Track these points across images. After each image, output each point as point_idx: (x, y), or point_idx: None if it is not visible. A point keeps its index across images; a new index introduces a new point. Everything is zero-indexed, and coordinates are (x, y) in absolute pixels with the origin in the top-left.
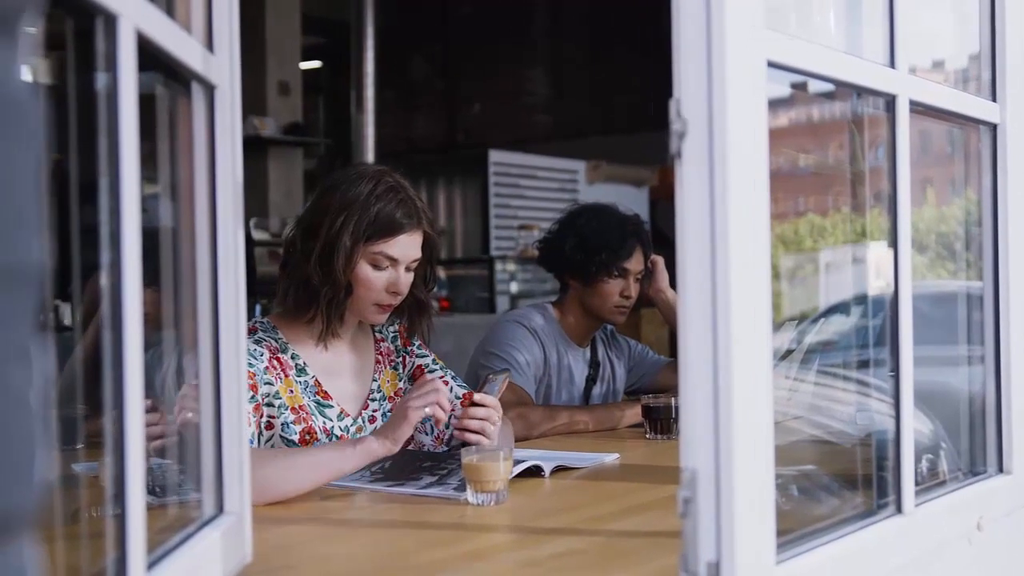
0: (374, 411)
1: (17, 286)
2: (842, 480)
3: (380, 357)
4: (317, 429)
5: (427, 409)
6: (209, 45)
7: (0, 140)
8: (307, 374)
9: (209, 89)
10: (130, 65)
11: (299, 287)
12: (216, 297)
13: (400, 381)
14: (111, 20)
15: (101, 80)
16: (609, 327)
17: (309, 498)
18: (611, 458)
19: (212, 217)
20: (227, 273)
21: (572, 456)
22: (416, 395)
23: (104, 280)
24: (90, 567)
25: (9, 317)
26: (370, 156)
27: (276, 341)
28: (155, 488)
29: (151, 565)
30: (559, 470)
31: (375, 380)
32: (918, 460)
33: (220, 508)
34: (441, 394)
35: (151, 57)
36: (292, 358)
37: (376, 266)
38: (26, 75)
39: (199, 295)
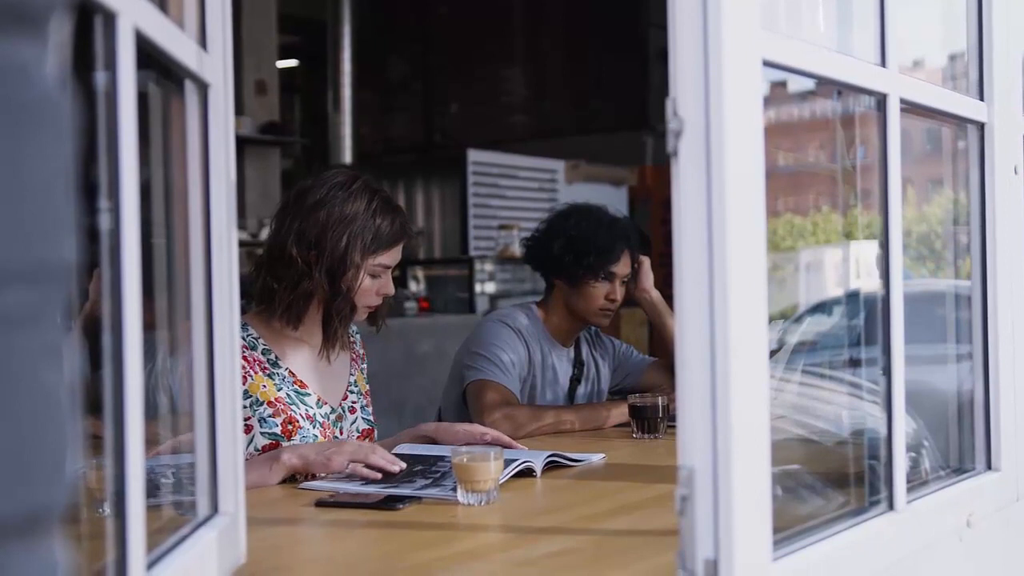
0: (353, 402)
1: (49, 285)
2: (833, 478)
3: (354, 354)
4: (299, 417)
5: (349, 467)
6: (203, 43)
7: (33, 138)
8: (281, 367)
9: (203, 88)
10: (129, 63)
11: (300, 300)
12: (210, 297)
13: (366, 383)
14: (110, 18)
15: (99, 78)
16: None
17: (303, 500)
18: (598, 458)
19: (206, 216)
20: (221, 273)
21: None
22: (355, 451)
23: (101, 279)
24: (86, 568)
25: (41, 316)
26: (347, 156)
27: (245, 339)
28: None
29: (150, 565)
30: (551, 468)
31: (352, 375)
32: None
33: (215, 508)
34: (374, 457)
35: (145, 55)
36: (263, 353)
37: (374, 276)
38: (56, 72)
39: (193, 296)
